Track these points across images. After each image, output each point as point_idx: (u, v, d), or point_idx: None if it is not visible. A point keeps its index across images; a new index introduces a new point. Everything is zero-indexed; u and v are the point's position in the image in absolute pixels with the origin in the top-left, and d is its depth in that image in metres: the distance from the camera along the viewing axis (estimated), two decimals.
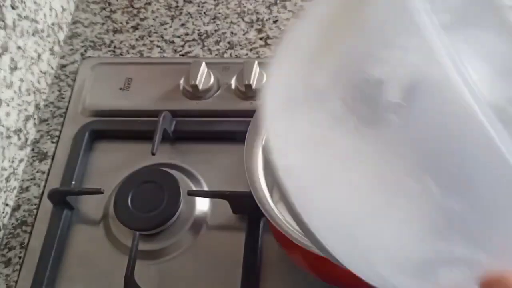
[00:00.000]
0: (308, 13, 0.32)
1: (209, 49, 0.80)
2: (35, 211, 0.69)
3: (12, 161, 0.70)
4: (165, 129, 0.69)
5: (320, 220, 0.29)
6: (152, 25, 0.84)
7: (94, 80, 0.77)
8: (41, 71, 0.77)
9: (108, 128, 0.73)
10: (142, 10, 0.86)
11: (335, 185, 0.29)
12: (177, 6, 0.86)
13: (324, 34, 0.30)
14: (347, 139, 0.27)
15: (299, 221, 0.29)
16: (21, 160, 0.72)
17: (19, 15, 0.71)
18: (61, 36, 0.84)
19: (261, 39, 0.80)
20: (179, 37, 0.82)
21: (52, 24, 0.81)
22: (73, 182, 0.68)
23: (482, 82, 0.32)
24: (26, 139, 0.73)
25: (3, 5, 0.68)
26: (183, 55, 0.80)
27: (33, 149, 0.74)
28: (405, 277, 0.29)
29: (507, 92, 0.33)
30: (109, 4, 0.88)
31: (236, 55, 0.79)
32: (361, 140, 0.27)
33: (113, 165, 0.71)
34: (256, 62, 0.72)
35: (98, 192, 0.65)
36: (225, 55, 0.79)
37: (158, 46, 0.81)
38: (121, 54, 0.81)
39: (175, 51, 0.81)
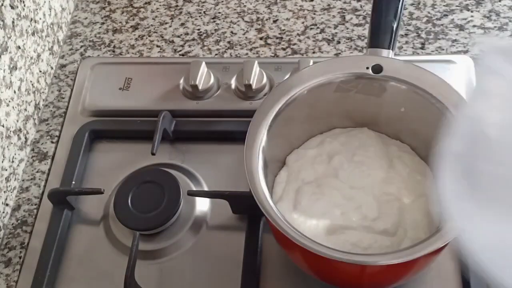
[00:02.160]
0: None
1: (209, 49, 0.80)
2: (35, 211, 0.69)
3: (12, 161, 0.70)
4: (165, 129, 0.69)
5: None
6: (151, 25, 0.84)
7: (94, 80, 0.77)
8: (40, 71, 0.77)
9: (108, 128, 0.73)
10: (142, 9, 0.86)
11: None
12: (176, 6, 0.86)
13: None
14: None
15: None
16: (21, 160, 0.72)
17: (18, 14, 0.71)
18: (61, 35, 0.83)
19: (261, 38, 0.80)
20: (179, 36, 0.82)
21: (52, 23, 0.81)
22: (73, 182, 0.68)
23: None
24: (26, 139, 0.73)
25: (2, 5, 0.67)
26: (183, 55, 0.80)
27: (33, 149, 0.74)
28: None
29: None
30: (109, 3, 0.88)
31: (236, 55, 0.79)
32: None
33: (113, 165, 0.71)
34: (256, 62, 0.72)
35: (98, 192, 0.65)
36: (225, 55, 0.79)
37: (157, 46, 0.81)
38: (120, 53, 0.81)
39: (175, 50, 0.81)
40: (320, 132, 0.65)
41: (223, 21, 0.83)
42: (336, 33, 0.79)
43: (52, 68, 0.81)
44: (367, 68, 0.60)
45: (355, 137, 0.63)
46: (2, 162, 0.67)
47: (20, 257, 0.66)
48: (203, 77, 0.72)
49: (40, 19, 0.77)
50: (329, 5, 0.82)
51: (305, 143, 0.65)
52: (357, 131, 0.64)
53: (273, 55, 0.78)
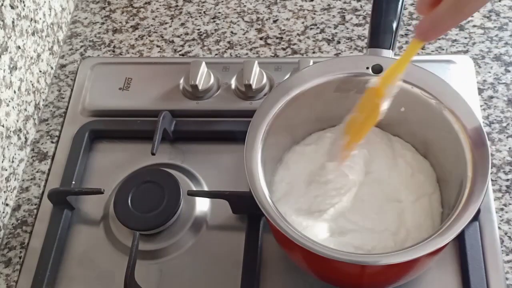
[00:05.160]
0: None
1: (209, 49, 0.80)
2: (35, 211, 0.69)
3: (12, 161, 0.70)
4: (165, 129, 0.69)
5: None
6: (151, 25, 0.84)
7: (94, 80, 0.77)
8: (40, 71, 0.77)
9: (108, 128, 0.73)
10: (142, 9, 0.86)
11: None
12: (176, 6, 0.86)
13: None
14: None
15: None
16: (21, 160, 0.72)
17: (18, 14, 0.71)
18: (61, 35, 0.83)
19: (261, 38, 0.80)
20: (179, 36, 0.82)
21: (52, 23, 0.81)
22: (73, 182, 0.68)
23: None
24: (26, 139, 0.73)
25: (2, 5, 0.67)
26: (183, 55, 0.80)
27: (33, 149, 0.74)
28: None
29: None
30: (109, 3, 0.88)
31: (236, 55, 0.79)
32: None
33: (113, 165, 0.71)
34: (256, 62, 0.72)
35: (98, 192, 0.65)
36: (225, 55, 0.79)
37: (157, 46, 0.81)
38: (120, 53, 0.81)
39: (175, 50, 0.81)
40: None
41: (223, 21, 0.83)
42: (336, 33, 0.79)
43: (52, 68, 0.81)
44: (367, 68, 0.60)
45: None
46: (2, 162, 0.67)
47: (20, 257, 0.66)
48: (203, 77, 0.72)
49: (40, 19, 0.77)
50: (329, 5, 0.83)
51: (304, 139, 0.64)
52: None
53: (273, 55, 0.78)
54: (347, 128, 0.58)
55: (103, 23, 0.85)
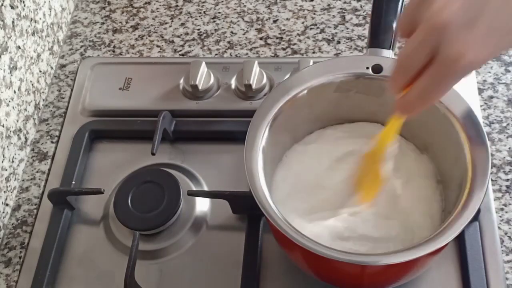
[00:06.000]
0: None
1: (209, 49, 0.80)
2: (35, 211, 0.69)
3: (12, 161, 0.70)
4: (165, 129, 0.69)
5: None
6: (151, 25, 0.84)
7: (94, 80, 0.77)
8: (40, 71, 0.77)
9: (108, 128, 0.73)
10: (142, 9, 0.86)
11: None
12: (176, 6, 0.86)
13: None
14: None
15: None
16: (21, 160, 0.72)
17: (18, 14, 0.71)
18: (61, 35, 0.83)
19: (261, 38, 0.80)
20: (179, 36, 0.82)
21: (52, 23, 0.81)
22: (73, 182, 0.68)
23: None
24: (26, 139, 0.73)
25: (2, 5, 0.67)
26: (183, 55, 0.80)
27: (33, 149, 0.74)
28: None
29: None
30: (109, 3, 0.88)
31: (236, 55, 0.79)
32: None
33: (113, 165, 0.71)
34: (256, 62, 0.72)
35: (98, 192, 0.65)
36: (225, 55, 0.79)
37: (157, 46, 0.81)
38: (120, 53, 0.81)
39: (175, 50, 0.81)
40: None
41: (223, 21, 0.83)
42: (336, 33, 0.79)
43: (52, 68, 0.81)
44: (367, 68, 0.60)
45: (361, 127, 0.63)
46: (2, 162, 0.68)
47: (20, 257, 0.66)
48: (203, 77, 0.72)
49: (40, 19, 0.77)
50: (329, 5, 0.83)
51: (304, 138, 0.64)
52: (362, 123, 0.64)
53: (273, 55, 0.78)
54: (357, 187, 0.58)
55: (103, 23, 0.85)
